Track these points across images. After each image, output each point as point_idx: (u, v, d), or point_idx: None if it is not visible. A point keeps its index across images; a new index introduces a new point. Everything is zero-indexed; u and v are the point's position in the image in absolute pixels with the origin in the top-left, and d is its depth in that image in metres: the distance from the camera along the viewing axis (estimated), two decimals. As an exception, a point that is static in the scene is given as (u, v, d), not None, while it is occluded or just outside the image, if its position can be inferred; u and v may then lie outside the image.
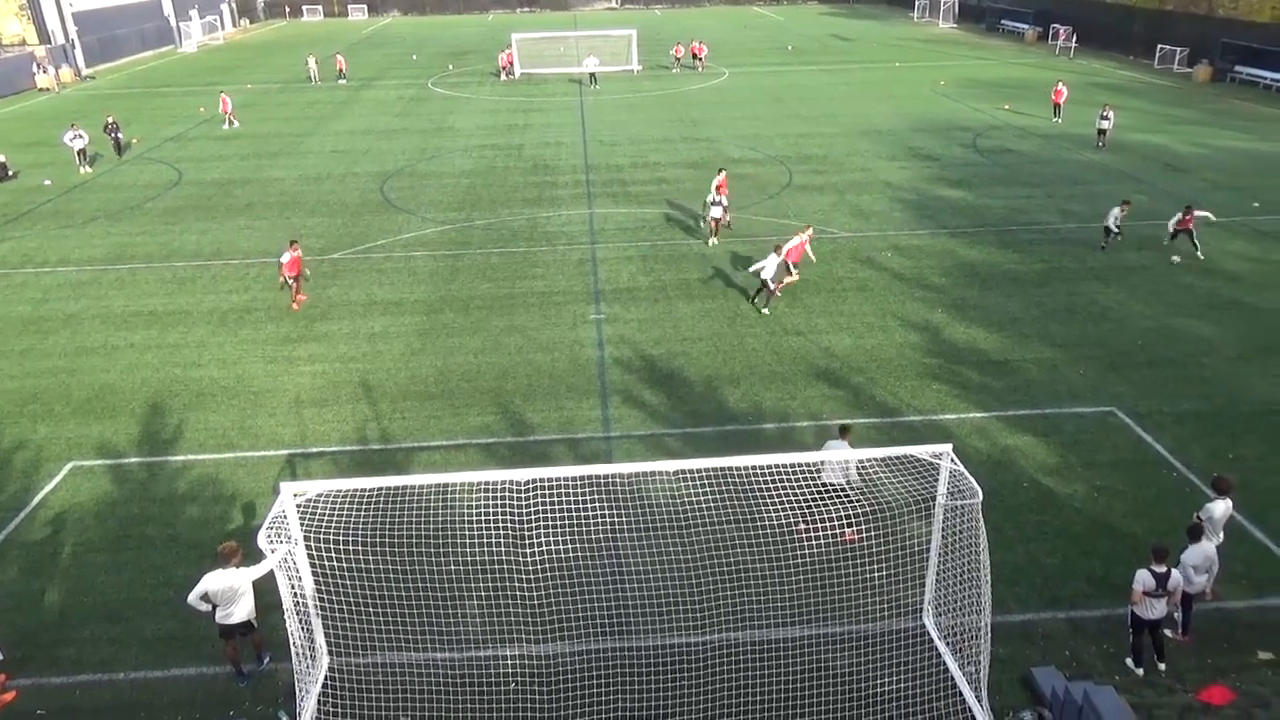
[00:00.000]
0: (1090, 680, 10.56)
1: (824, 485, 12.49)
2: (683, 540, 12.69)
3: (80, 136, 35.13)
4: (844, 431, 13.36)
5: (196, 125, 43.46)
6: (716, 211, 25.46)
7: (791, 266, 22.27)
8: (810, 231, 22.90)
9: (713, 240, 25.68)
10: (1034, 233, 26.45)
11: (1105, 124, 35.49)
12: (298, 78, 56.72)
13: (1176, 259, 23.79)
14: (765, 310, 21.05)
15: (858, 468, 12.89)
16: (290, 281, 21.64)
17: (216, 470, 15.56)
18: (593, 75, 52.75)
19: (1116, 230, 24.47)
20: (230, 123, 42.92)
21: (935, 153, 35.75)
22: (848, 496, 12.53)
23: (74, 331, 21.06)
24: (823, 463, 12.49)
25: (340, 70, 56.18)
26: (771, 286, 20.98)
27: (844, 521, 12.31)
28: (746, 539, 12.62)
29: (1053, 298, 21.87)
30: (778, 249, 21.15)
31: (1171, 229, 24.22)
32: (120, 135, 37.33)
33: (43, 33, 59.37)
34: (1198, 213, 24.16)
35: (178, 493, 14.95)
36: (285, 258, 21.40)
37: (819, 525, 12.26)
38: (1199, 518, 11.58)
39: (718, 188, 26.99)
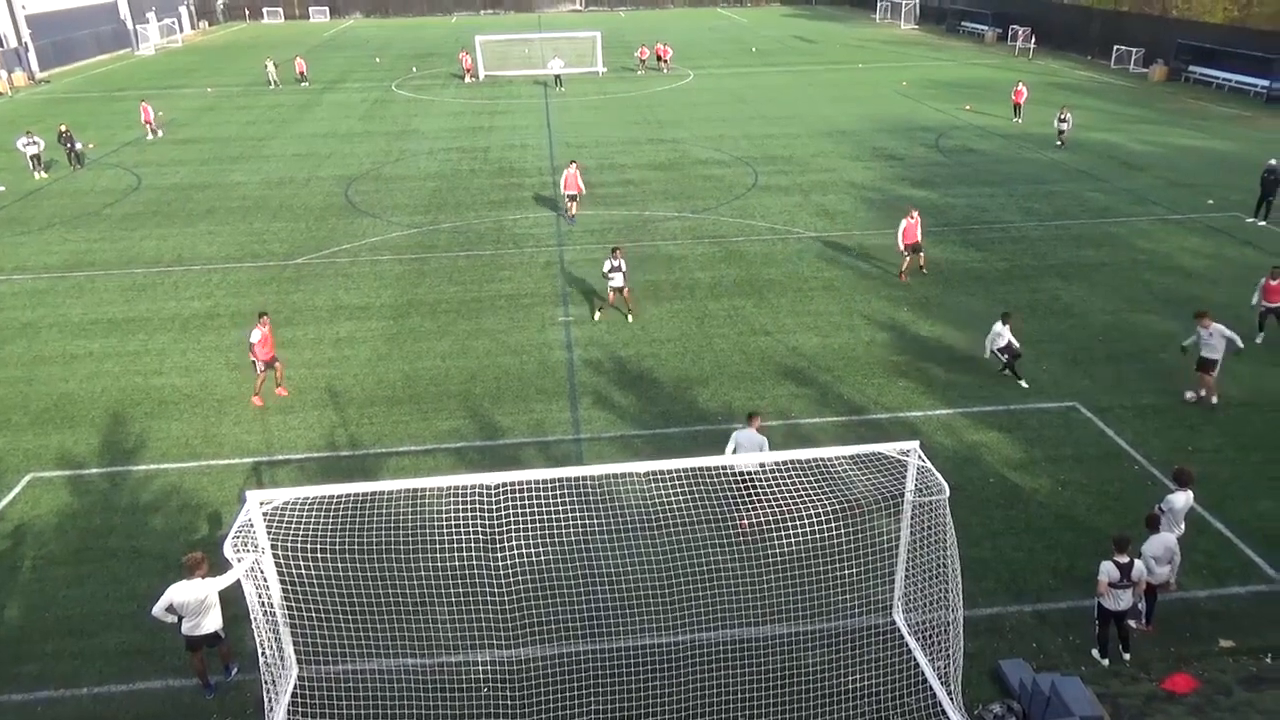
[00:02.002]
0: (1057, 671, 10.72)
1: (740, 475, 12.67)
2: (654, 541, 12.70)
3: (35, 143, 34.41)
4: (752, 418, 13.37)
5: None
6: (617, 280, 20.60)
7: (905, 248, 22.89)
8: (915, 213, 23.11)
9: (629, 317, 21.01)
10: (996, 231, 26.80)
11: (1064, 125, 36.06)
12: (258, 81, 56.01)
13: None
14: (1024, 383, 17.74)
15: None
16: (268, 366, 17.53)
17: (180, 479, 15.32)
18: (558, 77, 52.66)
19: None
20: (154, 133, 40.94)
21: (899, 153, 36.11)
22: (759, 483, 12.60)
23: (30, 340, 20.63)
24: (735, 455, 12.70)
25: (301, 73, 55.53)
26: (1016, 352, 17.62)
27: (748, 509, 12.71)
28: (718, 539, 12.66)
29: (1015, 295, 22.16)
30: (1005, 317, 17.53)
31: (1256, 302, 18.85)
32: (77, 145, 36.03)
33: (-6, 36, 58.18)
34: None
35: (141, 503, 14.70)
36: (255, 335, 17.14)
37: (757, 516, 12.56)
38: (1160, 509, 11.80)
39: (566, 182, 27.35)
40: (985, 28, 70.99)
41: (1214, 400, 16.91)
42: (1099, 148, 36.35)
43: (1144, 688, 10.72)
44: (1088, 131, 38.67)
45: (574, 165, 27.82)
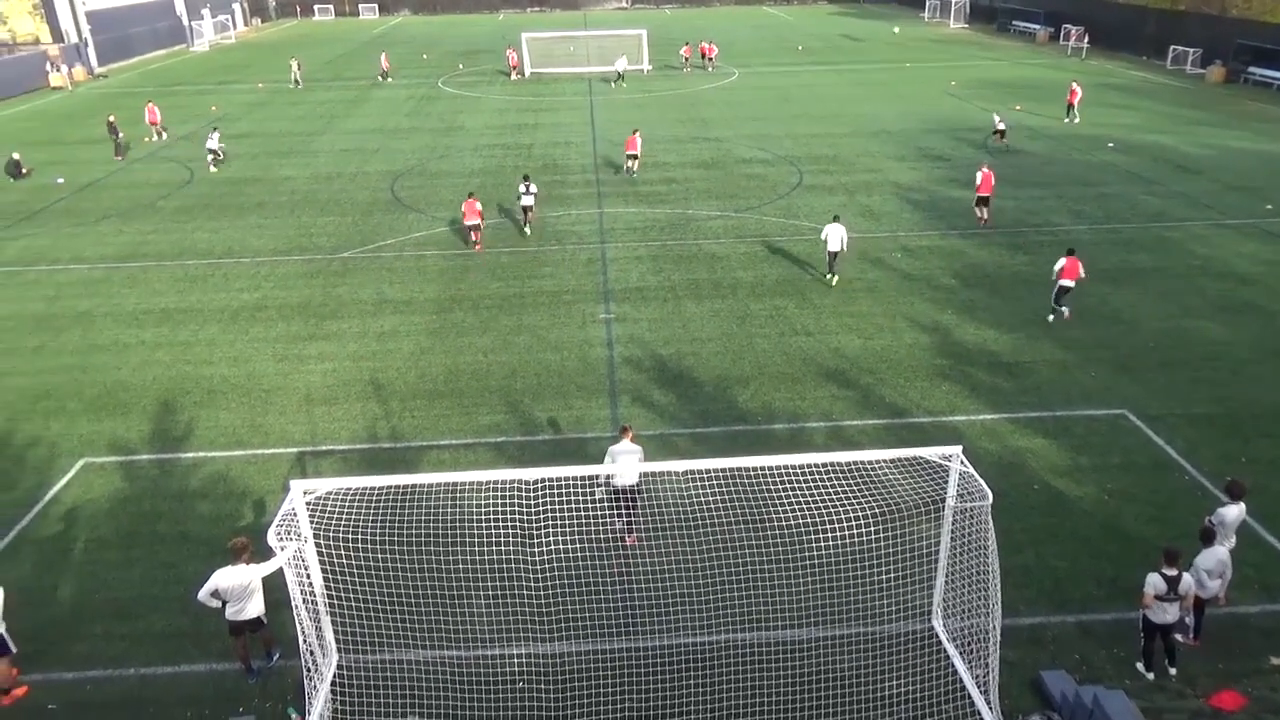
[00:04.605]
0: (1100, 684, 10.52)
1: (617, 490, 12.75)
2: (691, 540, 12.67)
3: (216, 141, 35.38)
4: (625, 430, 13.39)
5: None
6: (528, 200, 26.54)
7: (980, 200, 26.63)
8: (985, 165, 27.29)
9: (527, 229, 26.94)
10: (1045, 234, 26.34)
11: (1001, 126, 34.83)
12: (309, 77, 56.78)
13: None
14: (832, 279, 22.65)
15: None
16: (472, 229, 25.23)
17: (227, 467, 15.62)
18: (620, 74, 52.99)
19: None
20: (159, 134, 40.47)
21: (945, 153, 35.64)
22: (637, 497, 12.94)
23: (86, 329, 21.17)
24: (613, 471, 12.56)
25: (384, 70, 55.97)
26: (836, 260, 22.41)
27: (628, 524, 12.99)
28: (756, 540, 12.60)
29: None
30: (837, 219, 22.43)
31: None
32: (120, 135, 37.09)
33: (56, 31, 59.66)
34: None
35: (189, 489, 15.02)
36: (464, 207, 25.48)
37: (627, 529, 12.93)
38: (1210, 522, 11.52)
39: (629, 144, 32.78)
40: (1037, 27, 69.77)
41: None
42: (1152, 150, 35.57)
43: (1190, 704, 10.49)
44: (1141, 133, 37.86)
45: (636, 132, 33.21)
